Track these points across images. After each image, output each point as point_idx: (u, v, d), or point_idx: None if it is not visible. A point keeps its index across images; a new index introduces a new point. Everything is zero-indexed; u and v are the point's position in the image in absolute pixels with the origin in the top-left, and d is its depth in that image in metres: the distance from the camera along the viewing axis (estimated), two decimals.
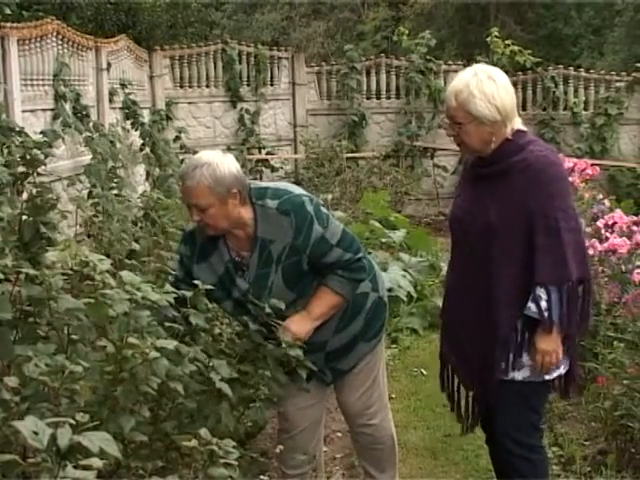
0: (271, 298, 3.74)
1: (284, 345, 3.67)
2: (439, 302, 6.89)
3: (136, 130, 12.31)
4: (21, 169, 4.00)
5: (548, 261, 3.57)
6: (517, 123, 3.71)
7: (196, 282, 3.54)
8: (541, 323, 3.62)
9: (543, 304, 3.59)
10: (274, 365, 3.74)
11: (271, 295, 3.77)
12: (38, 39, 9.29)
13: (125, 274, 3.19)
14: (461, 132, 3.70)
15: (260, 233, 3.77)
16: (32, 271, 2.92)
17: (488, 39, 16.15)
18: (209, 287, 3.52)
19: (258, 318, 3.77)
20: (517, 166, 3.63)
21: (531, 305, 3.61)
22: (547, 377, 3.75)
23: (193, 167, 3.66)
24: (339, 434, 5.77)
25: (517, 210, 3.61)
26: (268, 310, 3.72)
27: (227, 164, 3.68)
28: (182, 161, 12.62)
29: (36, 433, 1.98)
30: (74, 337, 3.03)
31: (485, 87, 3.60)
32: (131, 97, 12.35)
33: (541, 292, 3.59)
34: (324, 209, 3.86)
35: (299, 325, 3.79)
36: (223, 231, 3.79)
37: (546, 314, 3.59)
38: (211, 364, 3.34)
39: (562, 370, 3.80)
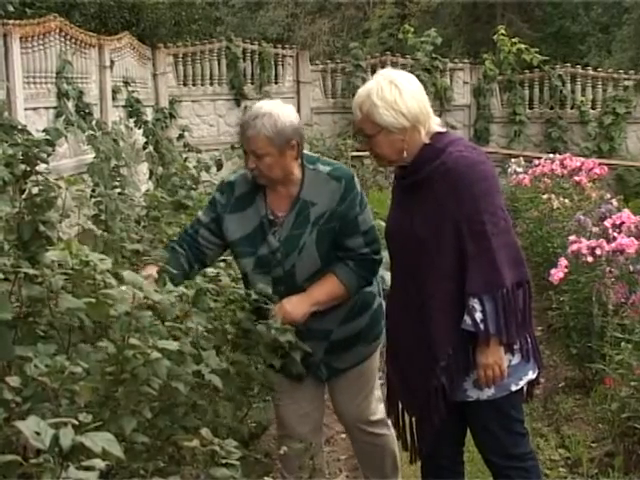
0: (299, 260, 3.73)
1: (274, 331, 3.63)
2: None
3: (139, 128, 12.30)
4: (22, 167, 3.98)
5: (478, 269, 3.38)
6: (434, 125, 3.51)
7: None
8: (478, 336, 3.42)
9: (478, 315, 3.38)
10: (266, 351, 3.71)
11: (300, 257, 3.75)
12: (41, 37, 9.27)
13: (127, 274, 3.16)
14: (372, 144, 3.52)
15: (304, 194, 3.79)
16: (32, 270, 2.89)
17: (495, 37, 16.14)
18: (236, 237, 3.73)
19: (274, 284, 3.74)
20: (437, 171, 3.43)
21: (466, 318, 3.39)
22: (514, 388, 3.55)
23: (254, 116, 3.69)
24: (343, 435, 5.72)
25: (442, 218, 3.41)
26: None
27: (288, 115, 3.72)
28: (185, 159, 12.58)
29: (38, 433, 1.96)
30: (75, 337, 3.00)
31: (386, 94, 3.40)
32: (134, 95, 12.35)
33: (474, 303, 3.38)
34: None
35: (295, 306, 3.72)
36: (275, 182, 3.78)
37: (482, 326, 3.38)
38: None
39: (532, 375, 3.61)
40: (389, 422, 4.25)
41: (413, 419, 3.80)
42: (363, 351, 4.04)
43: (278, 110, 3.71)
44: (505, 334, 3.43)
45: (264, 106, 3.74)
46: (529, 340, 3.56)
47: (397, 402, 3.88)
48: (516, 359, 3.53)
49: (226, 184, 3.97)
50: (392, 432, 4.29)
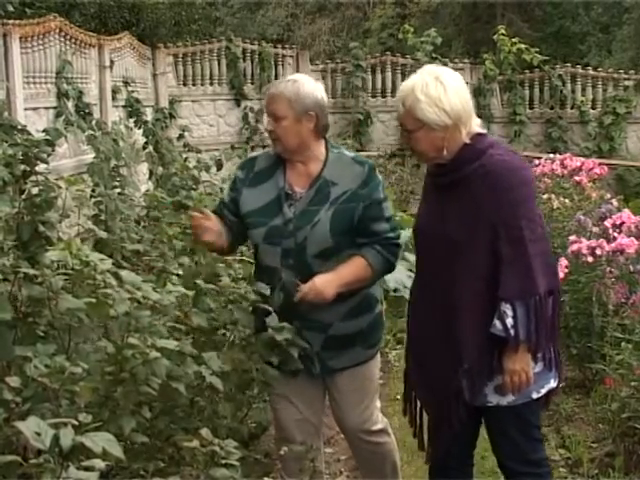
0: (311, 234, 3.74)
1: (271, 330, 3.64)
2: None
3: (139, 128, 12.29)
4: (22, 167, 3.98)
5: (513, 274, 3.35)
6: (475, 126, 3.49)
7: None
8: (508, 341, 3.39)
9: (509, 321, 3.34)
10: (263, 348, 3.72)
11: (312, 231, 3.75)
12: (41, 37, 9.27)
13: (126, 274, 3.16)
14: (412, 139, 3.49)
15: (326, 174, 3.83)
16: (31, 271, 2.89)
17: (495, 37, 16.12)
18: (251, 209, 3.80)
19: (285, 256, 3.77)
20: (477, 173, 3.40)
21: (496, 322, 3.36)
22: (535, 396, 3.53)
23: (281, 80, 3.91)
24: (343, 436, 5.72)
25: (479, 220, 3.38)
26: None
27: (314, 88, 3.84)
28: (185, 159, 12.57)
29: (38, 434, 1.97)
30: (74, 337, 3.00)
31: (431, 90, 3.37)
32: (134, 95, 12.35)
33: (506, 308, 3.35)
34: None
35: (325, 284, 3.70)
36: (290, 151, 3.83)
37: (512, 331, 3.34)
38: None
39: (553, 384, 3.59)
40: (390, 430, 4.26)
41: (427, 418, 3.79)
42: (360, 354, 4.00)
43: (305, 80, 3.86)
44: (535, 341, 3.40)
45: (295, 75, 3.96)
46: (552, 349, 3.53)
47: (414, 401, 3.87)
48: (539, 367, 3.50)
49: (247, 160, 4.07)
50: (393, 439, 4.29)
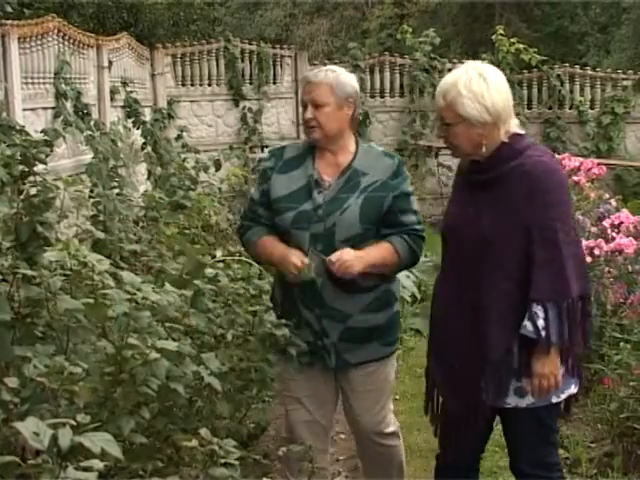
0: (340, 220, 3.80)
1: (269, 325, 3.66)
2: None
3: (137, 129, 12.28)
4: (20, 168, 3.97)
5: (546, 276, 3.33)
6: (514, 126, 3.49)
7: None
8: (538, 343, 3.36)
9: (540, 323, 3.32)
10: (262, 345, 3.73)
11: (342, 217, 3.81)
12: (39, 37, 9.25)
13: (125, 274, 3.16)
14: (450, 133, 3.49)
15: (356, 164, 3.92)
16: (30, 271, 2.89)
17: (493, 37, 16.12)
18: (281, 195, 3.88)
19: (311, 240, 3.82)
20: (513, 173, 3.40)
21: (527, 324, 3.35)
22: (555, 400, 3.52)
23: (319, 70, 3.97)
24: (342, 436, 5.73)
25: (513, 220, 3.38)
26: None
27: (351, 78, 3.97)
28: (184, 160, 12.57)
29: (37, 434, 1.96)
30: (73, 338, 2.99)
31: (474, 86, 3.38)
32: (132, 95, 12.32)
33: (538, 309, 3.32)
34: None
35: (353, 258, 3.74)
36: (329, 138, 3.90)
37: (543, 333, 3.32)
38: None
39: (573, 389, 3.58)
40: (400, 433, 4.27)
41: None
42: (377, 351, 4.01)
43: (341, 70, 3.98)
44: (567, 345, 3.39)
45: (330, 66, 4.08)
46: (577, 355, 3.53)
47: (436, 400, 3.85)
48: (561, 371, 3.47)
49: (275, 149, 4.14)
50: (401, 443, 4.32)
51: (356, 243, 3.80)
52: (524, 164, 3.40)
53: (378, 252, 3.83)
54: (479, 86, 3.38)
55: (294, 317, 3.92)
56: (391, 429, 4.22)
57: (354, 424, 4.25)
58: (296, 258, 3.75)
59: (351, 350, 3.94)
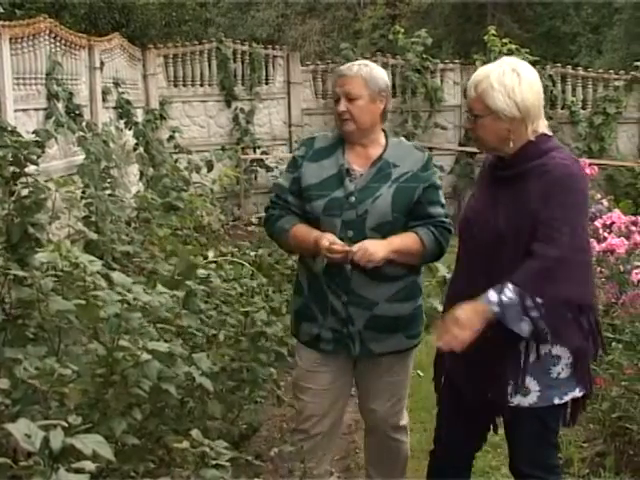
0: (372, 207, 3.83)
1: (260, 323, 3.67)
2: (435, 303, 6.86)
3: (129, 129, 12.26)
4: (12, 169, 3.96)
5: (530, 268, 3.29)
6: (542, 126, 3.48)
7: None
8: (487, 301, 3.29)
9: (505, 298, 3.27)
10: (253, 346, 3.73)
11: (373, 205, 3.84)
12: (31, 38, 9.23)
13: (116, 275, 3.16)
14: (477, 125, 3.48)
15: (387, 156, 3.96)
16: (21, 272, 2.89)
17: (485, 37, 16.13)
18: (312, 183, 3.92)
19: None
20: (535, 171, 3.37)
21: (491, 293, 3.30)
22: (557, 401, 3.48)
23: (352, 64, 4.01)
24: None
25: (528, 217, 3.34)
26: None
27: (383, 73, 4.02)
28: (176, 161, 12.56)
29: (28, 436, 1.96)
30: (64, 339, 2.99)
31: (506, 79, 3.37)
32: (124, 96, 12.30)
33: (508, 288, 3.28)
34: None
35: (376, 247, 3.75)
36: (361, 131, 3.95)
37: (496, 299, 3.26)
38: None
39: (577, 393, 3.53)
40: (408, 429, 4.31)
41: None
42: (402, 342, 4.03)
43: (373, 65, 4.02)
44: (507, 323, 3.30)
45: (362, 60, 4.10)
46: (583, 360, 3.50)
47: (453, 394, 3.79)
48: (565, 373, 3.46)
49: (306, 139, 4.19)
50: (408, 440, 4.36)
51: (386, 232, 3.83)
52: (546, 164, 3.38)
53: (402, 240, 3.84)
54: (511, 80, 3.38)
55: (320, 304, 3.96)
56: (403, 422, 4.28)
57: (369, 414, 4.26)
58: (326, 240, 3.76)
59: (376, 339, 3.96)
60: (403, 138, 4.18)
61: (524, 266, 3.30)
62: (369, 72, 3.92)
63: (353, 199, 3.86)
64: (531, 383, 3.46)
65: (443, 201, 4.01)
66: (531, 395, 3.47)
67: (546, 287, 3.30)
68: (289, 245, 4.11)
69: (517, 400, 3.49)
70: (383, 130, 4.05)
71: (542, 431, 3.56)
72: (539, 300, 3.28)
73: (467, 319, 3.33)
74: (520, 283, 3.29)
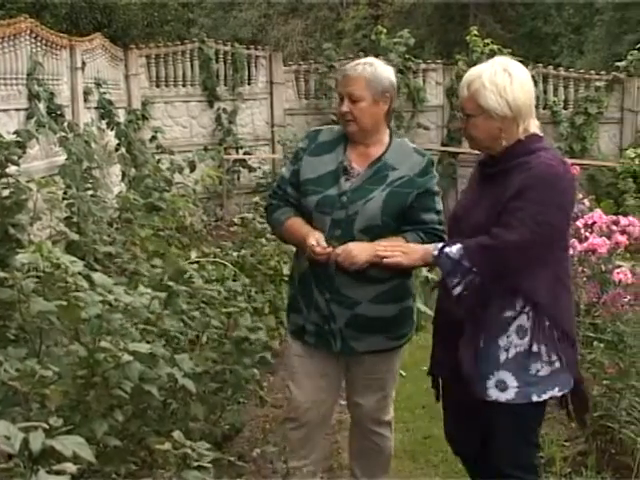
0: (363, 209, 3.83)
1: (244, 329, 3.66)
2: (417, 303, 6.86)
3: (111, 130, 12.23)
4: None
5: (483, 243, 3.37)
6: (533, 125, 3.51)
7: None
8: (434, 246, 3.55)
9: (448, 250, 3.46)
10: (236, 348, 3.72)
11: (364, 207, 3.84)
12: (11, 38, 9.19)
13: (97, 276, 3.14)
14: (470, 124, 3.53)
15: (387, 157, 3.96)
16: (2, 273, 2.88)
17: (467, 38, 16.17)
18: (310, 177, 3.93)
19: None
20: (518, 168, 3.40)
21: (443, 244, 3.53)
22: (535, 398, 3.50)
23: (356, 63, 3.97)
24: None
25: (499, 207, 3.39)
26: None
27: (388, 71, 3.98)
28: (158, 161, 12.51)
29: (8, 438, 1.94)
30: (45, 340, 2.98)
31: (498, 79, 3.41)
32: (106, 96, 12.26)
33: (457, 247, 3.43)
34: None
35: (360, 250, 3.76)
36: (364, 132, 3.95)
37: (437, 252, 3.49)
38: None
39: (557, 392, 3.55)
40: (392, 427, 4.33)
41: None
42: (382, 343, 4.04)
43: (379, 63, 3.99)
44: (442, 271, 3.50)
45: (368, 58, 4.06)
46: (564, 358, 3.50)
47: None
48: (545, 371, 3.49)
49: (311, 131, 4.18)
50: (392, 438, 4.37)
51: (374, 235, 3.84)
52: (530, 162, 3.41)
53: (388, 243, 3.83)
54: (503, 80, 3.42)
55: (307, 298, 4.00)
56: (388, 418, 4.29)
57: (354, 408, 4.29)
58: (312, 239, 3.80)
59: (357, 338, 3.98)
60: (406, 139, 4.16)
61: (480, 238, 3.39)
62: (373, 72, 3.89)
63: (345, 199, 3.87)
64: (509, 379, 3.48)
65: (439, 207, 3.98)
66: (509, 391, 3.49)
67: (487, 264, 3.38)
68: (283, 237, 4.18)
69: (495, 395, 3.51)
70: (389, 128, 4.05)
71: (518, 429, 3.57)
72: (475, 269, 3.38)
73: (412, 247, 3.67)
74: (468, 247, 3.41)
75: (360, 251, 3.75)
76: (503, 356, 3.47)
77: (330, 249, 3.77)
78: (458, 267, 3.41)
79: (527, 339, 3.44)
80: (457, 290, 3.43)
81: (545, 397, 3.53)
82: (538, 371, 3.48)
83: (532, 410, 3.56)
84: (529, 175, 3.37)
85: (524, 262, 3.38)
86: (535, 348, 3.45)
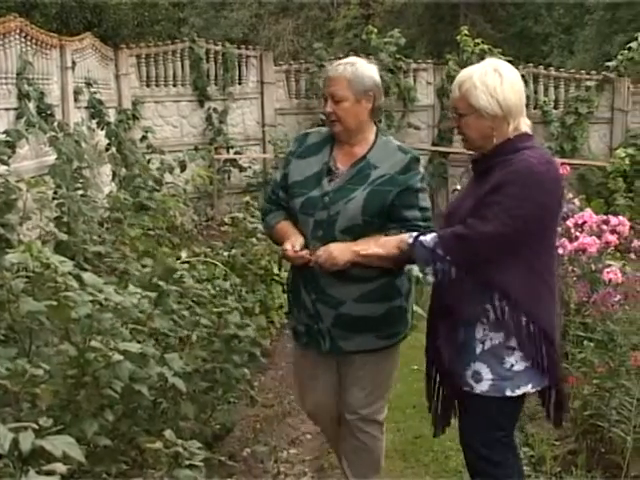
0: (344, 209, 3.86)
1: (233, 327, 3.67)
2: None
3: (102, 130, 12.19)
4: None
5: (456, 232, 3.45)
6: (523, 125, 3.56)
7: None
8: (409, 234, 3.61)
9: (423, 238, 3.53)
10: (226, 347, 3.73)
11: (346, 207, 3.87)
12: (1, 37, 9.17)
13: (87, 276, 3.14)
14: (462, 124, 3.60)
15: (370, 156, 3.98)
16: None
17: (458, 37, 16.17)
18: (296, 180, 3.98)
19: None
20: (501, 164, 3.46)
21: (418, 233, 3.60)
22: (509, 393, 3.52)
23: (338, 64, 4.00)
24: (308, 436, 5.73)
25: (478, 201, 3.46)
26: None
27: (370, 69, 4.00)
28: (149, 161, 12.51)
29: None
30: (35, 340, 2.97)
31: (488, 79, 3.48)
32: (97, 96, 12.23)
33: (431, 236, 3.53)
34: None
35: (341, 251, 3.80)
36: (348, 132, 3.98)
37: (412, 240, 3.56)
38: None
39: (530, 389, 3.58)
40: (384, 428, 4.33)
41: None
42: (371, 342, 4.04)
43: (361, 62, 4.02)
44: (416, 258, 3.55)
45: (351, 58, 4.08)
46: (540, 356, 3.52)
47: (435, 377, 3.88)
48: (519, 366, 3.52)
49: (302, 134, 4.24)
50: (383, 438, 4.36)
51: (356, 234, 3.86)
52: (514, 160, 3.45)
53: (369, 243, 3.83)
54: (493, 80, 3.49)
55: (296, 299, 4.07)
56: (378, 417, 4.26)
57: (344, 406, 4.27)
58: (288, 244, 3.86)
59: (345, 337, 4.00)
60: (392, 138, 4.15)
61: (455, 227, 3.47)
62: (354, 72, 3.91)
63: (327, 199, 3.90)
64: (484, 370, 3.53)
65: (423, 204, 3.95)
66: (483, 383, 3.53)
67: (460, 252, 3.45)
68: (274, 240, 4.23)
69: (471, 385, 3.57)
70: (376, 125, 4.07)
71: (489, 421, 3.61)
72: (448, 258, 3.45)
73: (388, 238, 3.72)
74: (442, 236, 3.50)
75: (340, 252, 3.78)
76: (479, 348, 3.52)
77: (304, 252, 3.83)
78: (432, 255, 3.48)
79: (502, 333, 3.49)
80: (430, 278, 3.52)
81: (519, 392, 3.56)
82: (512, 365, 3.51)
83: (504, 405, 3.58)
84: (508, 171, 3.43)
85: (495, 254, 3.43)
86: (510, 342, 3.49)
